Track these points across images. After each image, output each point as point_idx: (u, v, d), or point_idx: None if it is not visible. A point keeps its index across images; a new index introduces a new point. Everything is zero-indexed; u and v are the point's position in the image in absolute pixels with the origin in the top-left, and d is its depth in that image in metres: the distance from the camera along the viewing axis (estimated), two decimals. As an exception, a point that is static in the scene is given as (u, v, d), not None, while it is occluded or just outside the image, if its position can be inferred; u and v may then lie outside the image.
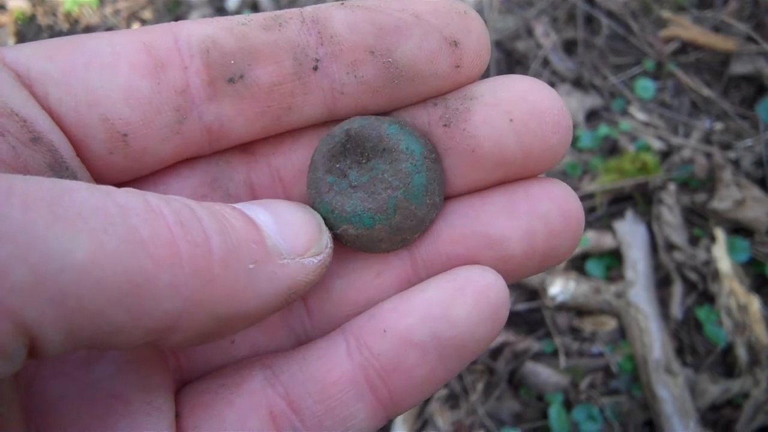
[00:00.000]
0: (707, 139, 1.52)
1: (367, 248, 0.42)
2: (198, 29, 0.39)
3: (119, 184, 0.40)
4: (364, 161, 0.42)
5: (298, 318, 0.43)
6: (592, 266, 1.40)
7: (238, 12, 1.83)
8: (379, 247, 0.42)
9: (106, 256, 0.27)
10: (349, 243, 0.42)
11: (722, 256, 1.35)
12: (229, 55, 0.39)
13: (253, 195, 0.43)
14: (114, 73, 0.37)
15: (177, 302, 0.30)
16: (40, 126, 0.36)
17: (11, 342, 0.26)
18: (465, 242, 0.41)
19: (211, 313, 0.31)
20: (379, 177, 0.41)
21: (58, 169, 0.36)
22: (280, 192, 0.43)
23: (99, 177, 0.39)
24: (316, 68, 0.39)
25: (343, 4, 0.40)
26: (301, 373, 0.39)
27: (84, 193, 0.29)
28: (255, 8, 1.83)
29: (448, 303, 0.38)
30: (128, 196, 0.30)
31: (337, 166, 0.42)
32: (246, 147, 0.43)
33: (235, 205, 0.35)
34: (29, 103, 0.36)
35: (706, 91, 1.60)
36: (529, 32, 1.71)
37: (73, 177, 0.37)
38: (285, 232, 0.36)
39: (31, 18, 1.94)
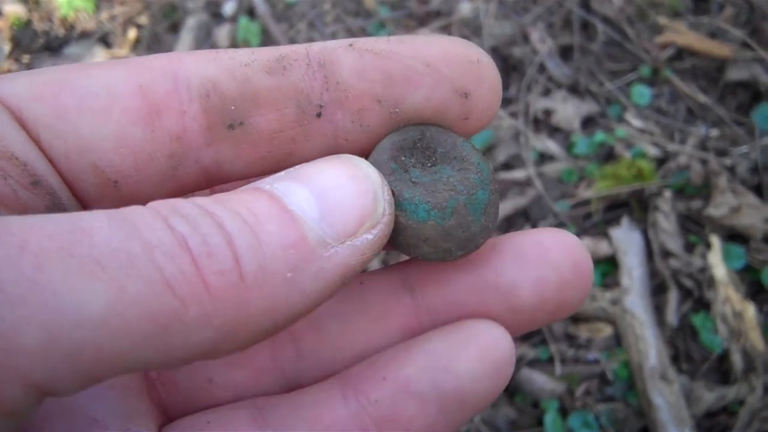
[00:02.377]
0: (703, 145, 1.53)
1: (408, 245, 0.39)
2: (199, 69, 0.37)
3: None
4: (429, 164, 0.40)
5: (288, 361, 0.41)
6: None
7: (234, 19, 1.83)
8: (419, 248, 0.39)
9: (127, 302, 0.26)
10: (392, 234, 0.39)
11: (718, 263, 1.35)
12: (229, 101, 0.37)
13: None
14: (106, 118, 0.36)
15: (209, 332, 0.28)
16: (39, 169, 0.35)
17: (22, 402, 0.26)
18: (473, 290, 0.39)
19: (251, 329, 0.30)
20: (443, 180, 0.39)
21: (57, 212, 0.35)
22: None
23: None
24: (319, 115, 0.38)
25: (352, 45, 0.37)
26: (292, 416, 0.38)
27: (105, 232, 0.27)
28: (251, 14, 1.83)
29: (452, 355, 0.37)
30: (155, 228, 0.28)
31: (402, 159, 0.39)
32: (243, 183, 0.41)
33: (273, 185, 0.32)
34: (28, 146, 0.35)
35: (701, 98, 1.60)
36: (526, 38, 1.72)
37: None
38: (331, 215, 0.32)
39: (27, 23, 1.93)
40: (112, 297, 0.26)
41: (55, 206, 0.35)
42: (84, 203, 0.38)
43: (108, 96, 0.36)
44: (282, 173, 0.34)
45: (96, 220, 0.28)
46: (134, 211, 0.29)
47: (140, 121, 0.36)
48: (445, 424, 0.38)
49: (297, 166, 0.35)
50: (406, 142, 0.39)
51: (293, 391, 0.40)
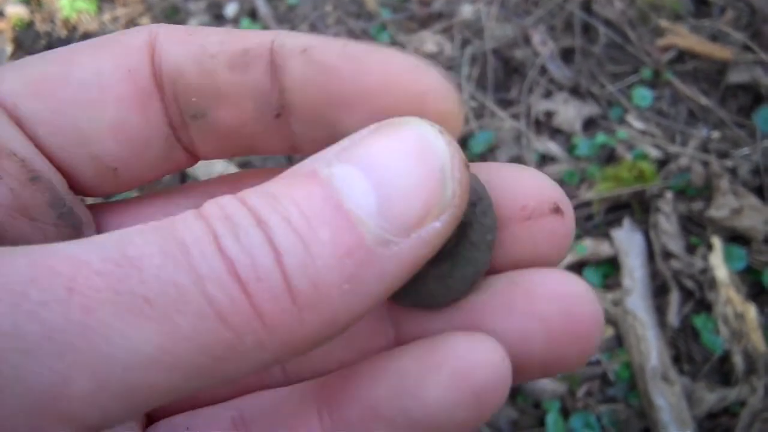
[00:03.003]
0: (704, 147, 1.53)
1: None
2: (172, 54, 0.36)
3: (102, 206, 0.39)
4: None
5: (273, 379, 0.40)
6: (589, 274, 1.40)
7: (236, 21, 1.84)
8: (402, 300, 0.36)
9: (179, 339, 0.25)
10: None
11: (719, 264, 1.35)
12: (192, 92, 0.36)
13: None
14: (102, 108, 0.35)
15: (265, 355, 0.27)
16: (37, 164, 0.35)
17: None
18: (457, 328, 0.36)
19: (309, 343, 0.28)
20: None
21: (57, 207, 0.35)
22: None
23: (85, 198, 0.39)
24: (278, 115, 0.36)
25: (306, 51, 0.35)
26: (270, 426, 0.37)
27: (154, 263, 0.26)
28: (253, 15, 1.84)
29: (421, 380, 0.33)
30: (205, 254, 0.26)
31: None
32: (234, 182, 0.40)
33: (332, 171, 0.29)
34: (25, 143, 0.35)
35: (703, 100, 1.60)
36: (527, 40, 1.72)
37: (71, 213, 0.36)
38: (393, 207, 0.29)
39: (29, 24, 1.94)
40: (164, 336, 0.25)
41: (56, 201, 0.35)
42: (82, 192, 0.38)
43: (100, 85, 0.35)
44: (343, 146, 0.31)
45: (147, 246, 0.26)
46: (187, 225, 0.27)
47: (134, 106, 0.36)
48: None
49: (360, 137, 0.31)
50: None
51: (274, 400, 0.38)
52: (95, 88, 0.35)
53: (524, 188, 0.36)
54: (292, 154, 0.40)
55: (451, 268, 0.35)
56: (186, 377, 0.26)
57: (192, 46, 0.36)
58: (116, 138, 0.36)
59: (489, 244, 0.35)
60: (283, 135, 0.37)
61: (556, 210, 0.35)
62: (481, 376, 0.32)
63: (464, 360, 0.33)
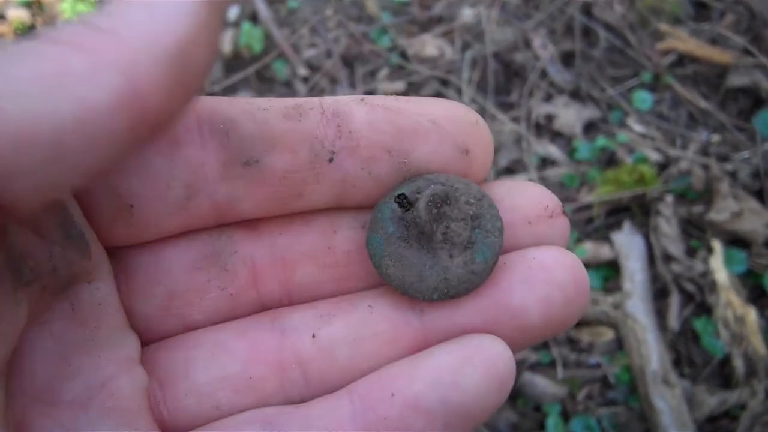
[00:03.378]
0: (704, 151, 1.53)
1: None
2: (218, 108, 0.38)
3: (119, 248, 0.40)
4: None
5: (295, 386, 0.41)
6: (589, 277, 1.40)
7: (237, 24, 1.84)
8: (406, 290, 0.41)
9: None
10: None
11: (719, 267, 1.35)
12: (247, 139, 0.38)
13: (253, 273, 0.42)
14: None
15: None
16: None
17: None
18: (482, 312, 0.40)
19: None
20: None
21: (67, 228, 0.36)
22: (281, 273, 0.42)
23: (101, 240, 0.39)
24: (331, 160, 0.40)
25: (363, 100, 0.40)
26: (302, 430, 0.38)
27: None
28: (254, 19, 1.84)
29: (458, 371, 0.37)
30: None
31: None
32: (251, 224, 0.42)
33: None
34: None
35: (703, 104, 1.60)
36: (527, 44, 1.72)
37: (81, 236, 0.37)
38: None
39: (31, 28, 1.94)
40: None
41: (67, 222, 0.36)
42: (93, 226, 0.38)
43: None
44: None
45: None
46: None
47: (161, 149, 0.37)
48: None
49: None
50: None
51: (302, 404, 0.40)
52: None
53: (538, 194, 0.42)
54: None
55: (473, 255, 0.40)
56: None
57: (240, 104, 0.39)
58: (138, 174, 0.37)
59: (500, 229, 0.41)
60: (333, 181, 0.40)
61: (564, 212, 0.42)
62: (503, 364, 0.38)
63: (491, 352, 0.38)
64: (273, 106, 0.39)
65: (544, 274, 0.40)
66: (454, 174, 0.41)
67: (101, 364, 0.37)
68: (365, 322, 0.41)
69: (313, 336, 0.40)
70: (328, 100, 0.40)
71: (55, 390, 0.36)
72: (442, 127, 0.40)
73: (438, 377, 0.37)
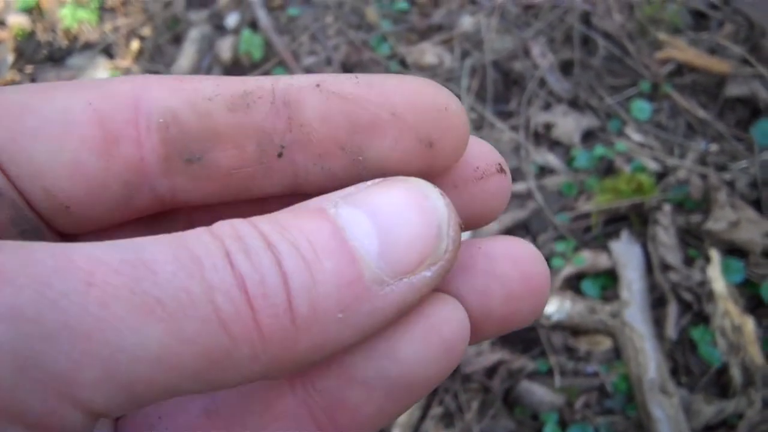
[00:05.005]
0: (702, 160, 1.53)
1: None
2: (161, 99, 0.37)
3: (71, 235, 0.39)
4: None
5: None
6: (587, 286, 1.41)
7: (237, 31, 1.85)
8: None
9: (183, 341, 0.27)
10: None
11: (717, 276, 1.36)
12: (188, 134, 0.36)
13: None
14: (61, 146, 0.35)
15: (256, 367, 0.29)
16: (0, 182, 0.35)
17: (81, 424, 0.27)
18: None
19: (298, 363, 0.30)
20: None
21: (20, 224, 0.36)
22: None
23: (51, 230, 0.38)
24: (281, 155, 0.37)
25: (319, 86, 0.37)
26: (241, 407, 0.38)
27: (168, 269, 0.28)
28: (254, 26, 1.85)
29: (394, 339, 0.35)
30: (217, 267, 0.28)
31: None
32: (202, 206, 0.41)
33: (338, 211, 0.32)
34: None
35: (701, 113, 1.61)
36: (526, 52, 1.73)
37: (36, 230, 0.36)
38: (392, 252, 0.32)
39: (31, 34, 1.95)
40: (170, 336, 0.27)
41: (19, 218, 0.36)
42: (51, 228, 0.38)
43: (65, 123, 0.36)
44: (348, 192, 0.34)
45: (161, 253, 0.28)
46: (200, 240, 0.29)
47: (96, 149, 0.36)
48: (393, 407, 0.37)
49: (365, 186, 0.35)
50: None
51: (246, 386, 0.39)
52: (59, 125, 0.36)
53: (474, 153, 0.40)
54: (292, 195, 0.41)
55: None
56: (182, 377, 0.27)
57: (185, 92, 0.37)
58: (72, 177, 0.36)
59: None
60: (283, 174, 0.38)
61: (501, 170, 0.39)
62: (448, 331, 0.35)
63: (433, 318, 0.35)
64: (219, 94, 0.37)
65: (485, 264, 0.37)
66: (416, 170, 0.38)
67: None
68: None
69: None
70: (281, 83, 0.37)
71: None
72: (403, 120, 0.36)
73: (372, 346, 0.35)
